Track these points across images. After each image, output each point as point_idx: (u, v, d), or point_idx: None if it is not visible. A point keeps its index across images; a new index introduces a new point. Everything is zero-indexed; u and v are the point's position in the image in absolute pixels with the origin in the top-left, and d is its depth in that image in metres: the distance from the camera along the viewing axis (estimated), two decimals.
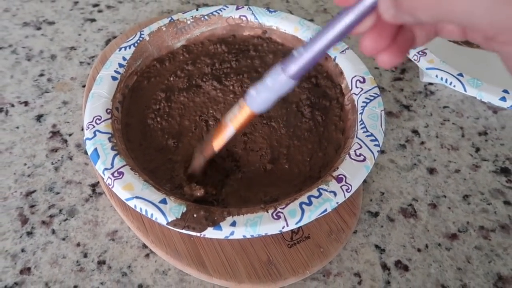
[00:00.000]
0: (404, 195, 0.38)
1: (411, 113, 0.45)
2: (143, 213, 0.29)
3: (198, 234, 0.29)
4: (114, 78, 0.38)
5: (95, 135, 0.33)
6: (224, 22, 0.45)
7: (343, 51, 0.41)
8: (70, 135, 0.41)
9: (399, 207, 0.37)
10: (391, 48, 0.20)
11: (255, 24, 0.45)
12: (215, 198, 0.33)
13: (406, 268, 0.33)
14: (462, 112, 0.45)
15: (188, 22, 0.44)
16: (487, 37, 0.17)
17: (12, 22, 0.52)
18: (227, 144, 0.36)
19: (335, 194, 0.30)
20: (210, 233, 0.29)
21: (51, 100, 0.44)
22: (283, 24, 0.45)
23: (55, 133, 0.41)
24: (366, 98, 0.37)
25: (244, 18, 0.45)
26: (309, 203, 0.30)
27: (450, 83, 0.42)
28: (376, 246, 0.34)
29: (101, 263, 0.33)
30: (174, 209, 0.29)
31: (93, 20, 0.53)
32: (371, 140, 0.34)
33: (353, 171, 0.32)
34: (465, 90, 0.41)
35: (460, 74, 0.42)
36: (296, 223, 0.29)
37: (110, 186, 0.31)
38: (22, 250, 0.33)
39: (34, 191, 0.37)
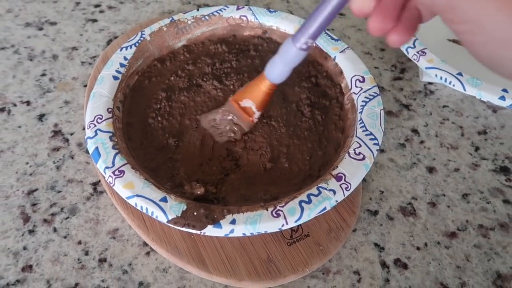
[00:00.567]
0: (404, 194, 0.38)
1: (411, 113, 0.45)
2: (144, 211, 0.30)
3: (198, 232, 0.29)
4: (115, 78, 0.38)
5: (96, 134, 0.34)
6: (224, 22, 0.46)
7: (342, 50, 0.41)
8: (71, 134, 0.41)
9: (399, 205, 0.37)
10: (398, 27, 0.21)
11: (256, 24, 0.46)
12: (215, 197, 0.33)
13: (405, 266, 0.33)
14: (462, 111, 0.45)
15: (189, 22, 0.45)
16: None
17: (15, 22, 0.52)
18: (227, 144, 0.36)
19: (334, 192, 0.31)
20: (210, 231, 0.29)
21: (53, 100, 0.44)
22: (283, 24, 0.45)
23: (56, 132, 0.41)
24: (366, 97, 0.37)
25: (244, 18, 0.46)
26: (309, 202, 0.30)
27: (450, 83, 0.42)
28: (376, 244, 0.34)
29: (102, 261, 0.33)
30: (175, 207, 0.30)
31: (94, 20, 0.53)
32: (371, 139, 0.34)
33: (353, 169, 0.32)
34: (464, 90, 0.41)
35: (460, 74, 0.42)
36: (296, 221, 0.29)
37: (111, 185, 0.31)
38: (24, 248, 0.33)
39: (36, 189, 0.37)
